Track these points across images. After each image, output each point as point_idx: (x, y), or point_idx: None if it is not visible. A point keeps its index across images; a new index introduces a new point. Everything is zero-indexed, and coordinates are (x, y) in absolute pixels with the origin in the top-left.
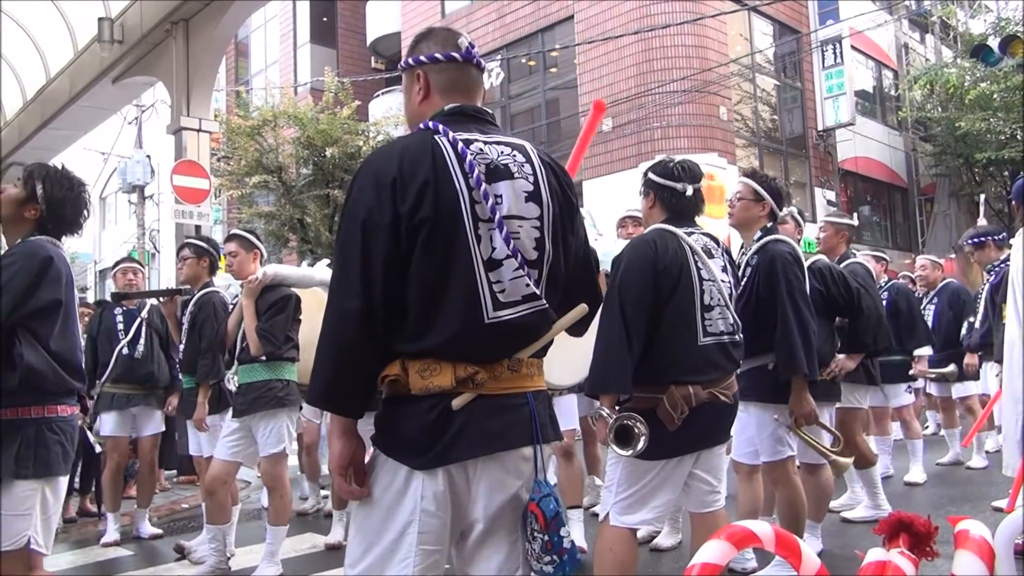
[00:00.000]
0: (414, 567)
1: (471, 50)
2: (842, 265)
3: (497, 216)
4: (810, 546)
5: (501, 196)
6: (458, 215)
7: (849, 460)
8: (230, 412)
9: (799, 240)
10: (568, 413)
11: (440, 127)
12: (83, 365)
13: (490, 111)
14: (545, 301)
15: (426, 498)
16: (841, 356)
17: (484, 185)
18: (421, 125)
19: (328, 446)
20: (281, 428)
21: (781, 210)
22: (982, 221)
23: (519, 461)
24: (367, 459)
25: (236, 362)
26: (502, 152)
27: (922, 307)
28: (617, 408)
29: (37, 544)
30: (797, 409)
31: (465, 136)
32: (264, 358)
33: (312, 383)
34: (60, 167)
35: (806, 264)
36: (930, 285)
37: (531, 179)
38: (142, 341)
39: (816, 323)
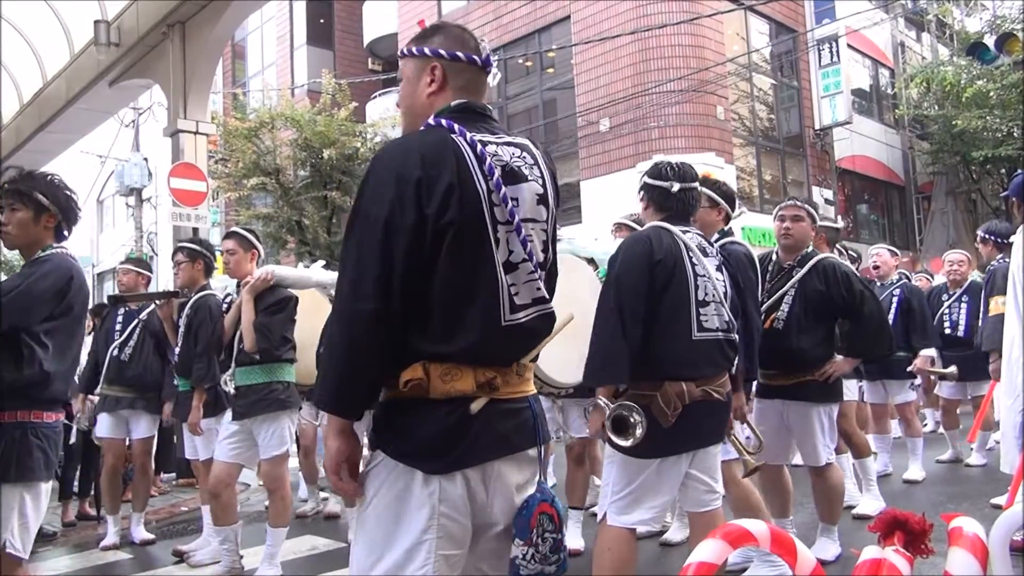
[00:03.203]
0: (434, 572)
1: (488, 58)
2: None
3: (516, 219)
4: (828, 549)
5: (518, 199)
6: (481, 218)
7: (757, 464)
8: (227, 415)
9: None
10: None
11: (455, 126)
12: (77, 373)
13: (491, 108)
14: (551, 304)
15: (444, 502)
16: (839, 358)
17: (504, 188)
18: (431, 121)
19: (324, 445)
20: (283, 430)
21: (733, 212)
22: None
23: (526, 462)
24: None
25: (233, 364)
26: (514, 154)
27: (947, 305)
28: (615, 400)
29: (14, 549)
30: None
31: (480, 137)
32: (259, 357)
33: (322, 386)
34: (30, 172)
35: (813, 262)
36: (959, 282)
37: (540, 182)
38: (132, 343)
39: (760, 322)
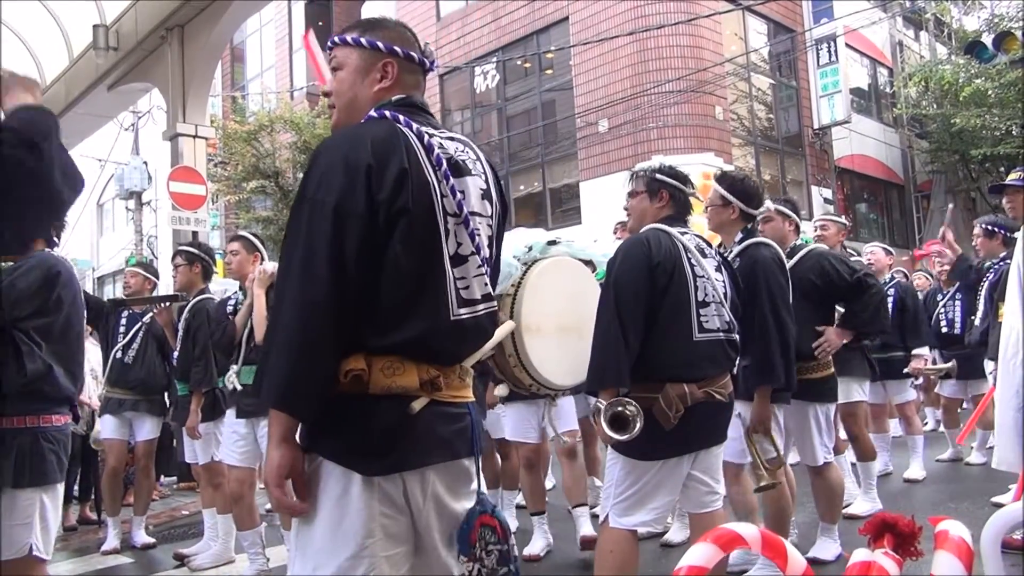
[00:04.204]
0: (378, 574)
1: (434, 63)
2: None
3: (464, 211)
4: (828, 549)
5: (464, 192)
6: (432, 208)
7: (776, 482)
8: (225, 418)
9: (794, 232)
10: (567, 414)
11: (401, 118)
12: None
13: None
14: (495, 302)
15: (384, 502)
16: (830, 329)
17: (452, 180)
18: (375, 113)
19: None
20: None
21: (756, 209)
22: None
23: (461, 472)
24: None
25: (242, 363)
26: (457, 148)
27: (942, 304)
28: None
29: (39, 551)
30: (757, 415)
31: (425, 129)
32: None
33: (268, 380)
34: None
35: (801, 254)
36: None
37: (483, 177)
38: (135, 346)
39: (794, 330)
